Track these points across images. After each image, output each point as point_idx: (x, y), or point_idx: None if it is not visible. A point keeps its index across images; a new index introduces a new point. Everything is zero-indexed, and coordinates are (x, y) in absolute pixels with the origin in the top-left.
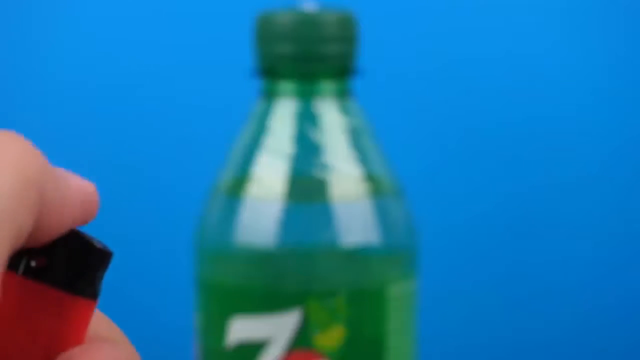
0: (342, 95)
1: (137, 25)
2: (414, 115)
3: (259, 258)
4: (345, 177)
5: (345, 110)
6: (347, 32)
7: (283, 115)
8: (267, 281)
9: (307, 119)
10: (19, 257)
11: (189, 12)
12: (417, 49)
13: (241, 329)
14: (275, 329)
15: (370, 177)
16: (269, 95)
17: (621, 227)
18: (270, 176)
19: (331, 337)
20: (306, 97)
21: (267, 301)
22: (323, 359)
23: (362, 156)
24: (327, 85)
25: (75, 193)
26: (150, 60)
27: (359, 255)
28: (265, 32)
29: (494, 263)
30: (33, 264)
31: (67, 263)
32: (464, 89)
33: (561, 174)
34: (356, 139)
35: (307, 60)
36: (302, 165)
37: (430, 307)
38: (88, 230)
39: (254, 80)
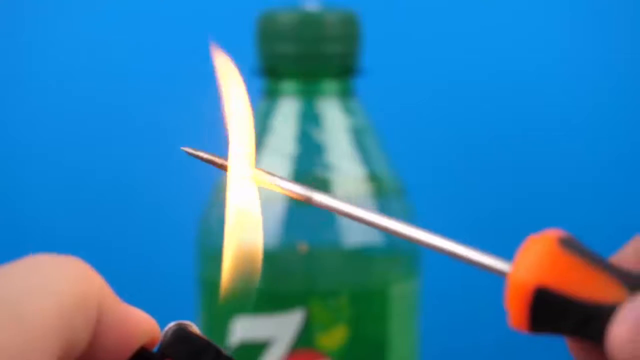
0: (345, 94)
1: (138, 25)
2: (417, 115)
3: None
4: (347, 177)
5: (347, 110)
6: (349, 31)
7: (285, 115)
8: (269, 281)
9: (309, 119)
10: (145, 357)
11: (190, 12)
12: (420, 48)
13: (244, 328)
14: (278, 329)
15: (373, 177)
16: (271, 95)
17: (621, 227)
18: None
19: (334, 337)
20: (308, 96)
21: (270, 301)
22: (325, 359)
23: (365, 156)
24: (330, 85)
25: (136, 316)
26: (151, 59)
27: (361, 256)
28: (268, 32)
29: None
30: None
31: None
32: (466, 89)
33: (563, 174)
34: (358, 138)
35: (309, 59)
36: (304, 164)
37: (432, 307)
38: (90, 227)
39: (256, 79)
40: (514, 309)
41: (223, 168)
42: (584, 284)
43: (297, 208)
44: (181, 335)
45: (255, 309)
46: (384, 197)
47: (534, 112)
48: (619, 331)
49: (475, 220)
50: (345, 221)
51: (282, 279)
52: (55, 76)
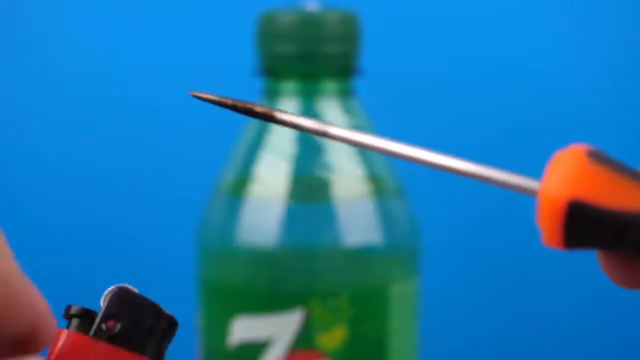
0: (345, 95)
1: (137, 24)
2: (417, 115)
3: (262, 258)
4: (347, 177)
5: (347, 110)
6: (349, 31)
7: None
8: (269, 281)
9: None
10: (90, 320)
11: (190, 11)
12: (420, 48)
13: (243, 328)
14: (277, 329)
15: (373, 177)
16: (271, 95)
17: None
18: (272, 176)
19: (333, 337)
20: (308, 96)
21: (269, 301)
22: (325, 359)
23: (365, 156)
24: (330, 85)
25: (31, 296)
26: (151, 59)
27: (361, 255)
28: (268, 31)
29: (496, 262)
30: (103, 326)
31: (136, 326)
32: (466, 89)
33: None
34: None
35: (309, 59)
36: (304, 164)
37: (432, 307)
38: (90, 227)
39: (255, 79)
40: (548, 226)
41: (233, 108)
42: (617, 195)
43: (297, 208)
44: (123, 296)
45: (255, 309)
46: (384, 197)
47: (535, 111)
48: None
49: (476, 220)
50: (345, 221)
51: (282, 279)
52: (54, 74)
